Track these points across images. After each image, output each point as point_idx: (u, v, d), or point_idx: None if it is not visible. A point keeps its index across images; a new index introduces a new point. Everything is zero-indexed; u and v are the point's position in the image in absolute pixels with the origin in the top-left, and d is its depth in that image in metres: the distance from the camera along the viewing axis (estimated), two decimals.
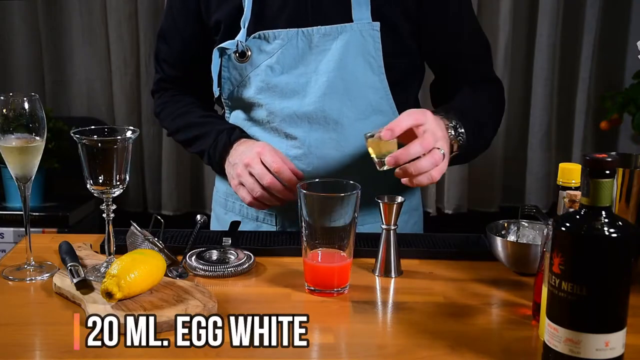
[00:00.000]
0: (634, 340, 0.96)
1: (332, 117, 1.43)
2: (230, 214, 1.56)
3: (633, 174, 1.20)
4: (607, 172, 0.87)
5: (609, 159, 0.87)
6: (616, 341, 0.89)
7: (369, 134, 1.26)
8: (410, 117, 1.24)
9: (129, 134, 1.17)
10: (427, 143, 1.22)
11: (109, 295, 1.07)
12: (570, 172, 1.04)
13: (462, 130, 1.33)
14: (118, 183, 1.18)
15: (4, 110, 1.19)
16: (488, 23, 2.88)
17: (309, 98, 1.42)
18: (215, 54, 1.44)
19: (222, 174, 1.48)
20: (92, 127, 1.18)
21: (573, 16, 2.89)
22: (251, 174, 1.37)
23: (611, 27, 2.88)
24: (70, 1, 2.95)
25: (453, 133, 1.32)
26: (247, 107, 1.48)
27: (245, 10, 1.41)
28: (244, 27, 1.41)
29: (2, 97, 1.19)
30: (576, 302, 0.88)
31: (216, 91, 1.48)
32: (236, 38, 1.42)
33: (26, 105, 1.19)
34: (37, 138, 1.21)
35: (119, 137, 1.16)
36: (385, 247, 1.25)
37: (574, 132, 2.96)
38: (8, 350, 0.99)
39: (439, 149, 1.23)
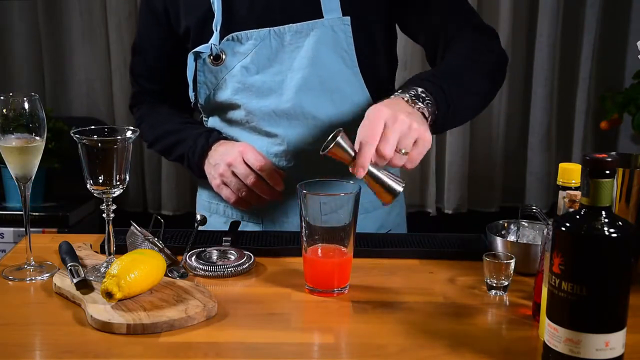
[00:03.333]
0: (634, 340, 0.96)
1: (310, 112, 1.44)
2: (215, 215, 1.56)
3: (633, 174, 1.20)
4: (607, 172, 0.87)
5: (609, 159, 0.87)
6: (616, 341, 0.89)
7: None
8: (368, 142, 1.16)
9: (129, 134, 1.17)
10: (386, 150, 1.16)
11: (109, 295, 1.07)
12: (570, 172, 1.04)
13: (428, 93, 1.25)
14: (118, 183, 1.18)
15: (4, 110, 1.19)
16: (488, 23, 2.87)
17: (285, 95, 1.43)
18: (190, 58, 1.45)
19: (202, 177, 1.49)
20: (92, 127, 1.18)
21: (573, 16, 2.88)
22: (234, 174, 1.39)
23: (611, 27, 2.88)
24: (70, 1, 2.95)
25: (419, 102, 1.23)
26: (225, 109, 1.49)
27: (215, 13, 1.42)
28: (217, 31, 1.42)
29: (2, 97, 1.19)
30: (576, 302, 0.88)
31: (192, 96, 1.50)
32: (210, 42, 1.43)
33: (26, 105, 1.19)
34: (37, 138, 1.21)
35: (119, 137, 1.16)
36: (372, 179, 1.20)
37: (574, 132, 2.96)
38: (8, 350, 0.99)
39: (400, 151, 1.17)
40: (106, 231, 1.20)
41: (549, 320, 0.92)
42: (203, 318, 1.07)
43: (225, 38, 1.43)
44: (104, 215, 1.19)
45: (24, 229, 1.26)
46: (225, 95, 1.47)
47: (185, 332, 1.04)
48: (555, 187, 1.08)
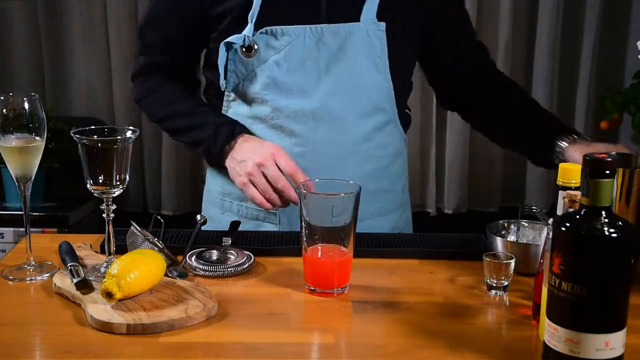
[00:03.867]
0: (634, 340, 0.96)
1: (337, 115, 1.43)
2: (228, 213, 1.55)
3: (633, 174, 1.20)
4: (607, 172, 0.87)
5: (609, 159, 0.87)
6: (616, 341, 0.89)
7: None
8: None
9: (129, 134, 1.17)
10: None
11: (109, 295, 1.07)
12: (570, 172, 1.04)
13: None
14: (118, 183, 1.18)
15: (4, 110, 1.19)
16: (488, 23, 2.88)
17: (315, 96, 1.42)
18: (222, 48, 1.42)
19: (217, 166, 1.47)
20: (92, 127, 1.18)
21: (573, 16, 2.88)
22: (264, 175, 1.36)
23: (611, 27, 2.88)
24: (70, 1, 2.95)
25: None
26: (251, 102, 1.47)
27: (254, 4, 1.40)
28: (252, 22, 1.40)
29: (2, 97, 1.19)
30: (576, 302, 0.88)
31: (223, 84, 1.47)
32: (243, 32, 1.41)
33: (26, 105, 1.19)
34: (37, 138, 1.21)
35: (119, 137, 1.16)
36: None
37: None
38: (8, 350, 0.99)
39: None
40: (106, 231, 1.20)
41: (549, 320, 0.92)
42: (203, 318, 1.07)
43: (260, 31, 1.41)
44: (104, 215, 1.19)
45: (24, 229, 1.25)
46: (254, 88, 1.45)
47: (185, 332, 1.04)
48: (555, 187, 1.08)
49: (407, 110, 1.57)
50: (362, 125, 1.45)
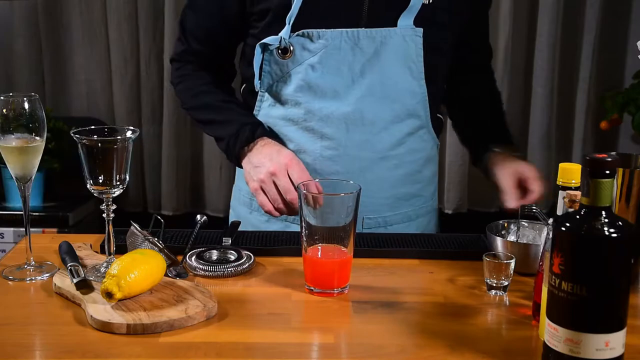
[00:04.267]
0: (634, 340, 0.96)
1: (369, 119, 1.43)
2: (255, 213, 1.54)
3: (633, 174, 1.20)
4: (607, 172, 0.87)
5: (609, 159, 0.87)
6: (616, 341, 0.89)
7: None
8: (510, 180, 1.47)
9: (129, 134, 1.17)
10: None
11: (109, 295, 1.07)
12: (570, 172, 1.04)
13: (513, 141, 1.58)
14: (118, 183, 1.18)
15: (4, 110, 1.19)
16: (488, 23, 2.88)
17: (348, 100, 1.42)
18: (258, 48, 1.42)
19: (237, 165, 1.47)
20: (92, 127, 1.18)
21: (573, 16, 2.88)
22: (275, 184, 1.35)
23: (611, 27, 2.88)
24: (70, 1, 2.94)
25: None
26: (284, 103, 1.46)
27: (293, 6, 1.39)
28: (289, 24, 1.40)
29: (2, 97, 1.19)
30: (576, 302, 0.88)
31: (257, 84, 1.46)
32: (279, 34, 1.40)
33: (26, 105, 1.19)
34: (37, 138, 1.21)
35: (119, 137, 1.16)
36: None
37: (574, 132, 2.96)
38: (8, 350, 0.99)
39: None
40: (106, 231, 1.20)
41: (549, 320, 0.92)
42: (203, 318, 1.07)
43: (296, 33, 1.40)
44: (104, 215, 1.19)
45: (24, 229, 1.25)
46: (287, 90, 1.45)
47: (185, 332, 1.04)
48: (555, 187, 1.08)
49: (439, 115, 1.58)
50: (394, 130, 1.45)
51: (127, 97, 2.98)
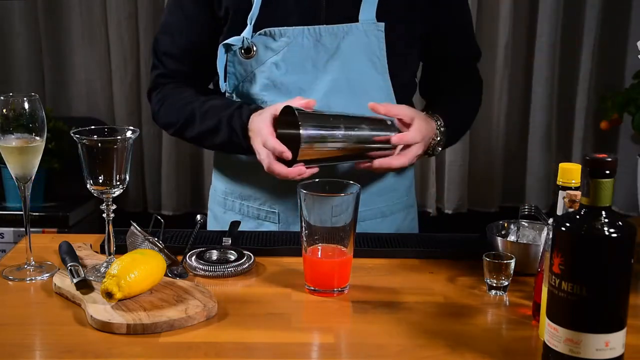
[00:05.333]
0: (634, 340, 0.96)
1: None
2: (230, 212, 1.55)
3: None
4: (607, 172, 0.87)
5: (609, 159, 0.87)
6: (616, 341, 0.89)
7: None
8: (405, 109, 1.37)
9: (129, 134, 1.17)
10: (419, 135, 1.35)
11: (109, 295, 1.07)
12: (570, 172, 1.04)
13: (444, 137, 1.44)
14: (118, 183, 1.18)
15: (4, 110, 1.19)
16: (488, 23, 2.88)
17: (314, 96, 1.42)
18: (221, 49, 1.42)
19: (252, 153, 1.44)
20: (92, 127, 1.18)
21: (573, 16, 2.88)
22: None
23: (611, 27, 2.88)
24: (70, 1, 2.95)
25: (437, 139, 1.43)
26: (251, 103, 1.46)
27: (253, 6, 1.40)
28: (250, 24, 1.41)
29: (2, 97, 1.19)
30: (576, 302, 0.88)
31: (223, 86, 1.46)
32: (242, 34, 1.41)
33: (26, 105, 1.19)
34: (37, 138, 1.21)
35: (119, 137, 1.16)
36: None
37: (574, 132, 2.96)
38: (8, 350, 0.99)
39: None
40: (106, 231, 1.20)
41: (549, 320, 0.92)
42: (203, 318, 1.07)
43: (258, 32, 1.41)
44: (104, 215, 1.19)
45: (24, 229, 1.25)
46: (253, 89, 1.45)
47: (185, 332, 1.04)
48: (555, 187, 1.08)
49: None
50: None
51: (127, 97, 2.98)
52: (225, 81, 1.46)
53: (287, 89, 1.43)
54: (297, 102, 1.33)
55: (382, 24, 1.42)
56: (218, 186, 1.60)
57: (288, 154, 1.30)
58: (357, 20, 1.41)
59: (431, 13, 1.48)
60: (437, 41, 1.53)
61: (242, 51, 1.42)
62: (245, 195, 1.50)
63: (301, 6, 1.41)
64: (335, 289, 1.18)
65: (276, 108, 1.34)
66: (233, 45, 1.42)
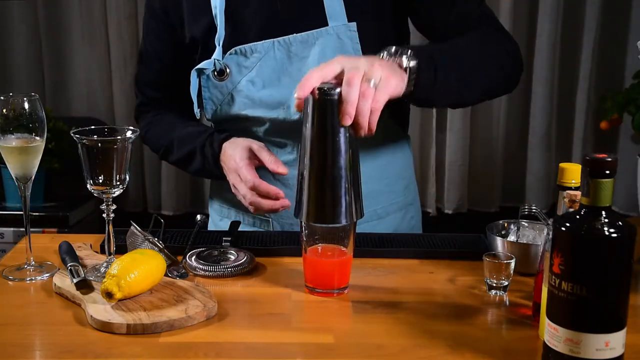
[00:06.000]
0: (634, 340, 0.96)
1: None
2: (226, 220, 1.55)
3: None
4: (607, 172, 0.87)
5: (609, 159, 0.87)
6: (616, 341, 0.89)
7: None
8: (352, 81, 1.09)
9: (129, 134, 1.17)
10: (350, 77, 1.09)
11: (109, 295, 1.07)
12: (570, 172, 1.04)
13: (411, 54, 1.20)
14: (118, 183, 1.18)
15: (4, 110, 1.19)
16: None
17: (293, 107, 1.40)
18: (193, 75, 1.42)
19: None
20: (92, 127, 1.18)
21: (573, 16, 2.88)
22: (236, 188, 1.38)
23: (611, 27, 2.88)
24: (70, 1, 2.95)
25: (395, 57, 1.20)
26: (233, 122, 1.46)
27: (218, 27, 1.39)
28: (219, 45, 1.40)
29: (2, 97, 1.19)
30: (576, 302, 0.88)
31: (197, 112, 1.46)
32: (212, 57, 1.40)
33: (26, 105, 1.19)
34: (37, 138, 1.21)
35: (119, 137, 1.16)
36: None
37: (574, 132, 2.96)
38: (8, 350, 0.99)
39: (367, 81, 1.10)
40: (106, 231, 1.20)
41: (549, 320, 0.92)
42: (203, 318, 1.07)
43: (229, 52, 1.40)
44: (104, 215, 1.19)
45: (24, 229, 1.25)
46: (232, 110, 1.44)
47: (185, 332, 1.04)
48: (555, 187, 1.08)
49: (402, 105, 1.51)
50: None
51: (127, 97, 2.98)
52: (198, 107, 1.46)
53: (266, 103, 1.41)
54: (269, 166, 1.34)
55: (354, 24, 1.38)
56: (213, 194, 1.61)
57: (281, 194, 1.33)
58: (326, 24, 1.38)
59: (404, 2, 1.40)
60: (417, 14, 1.43)
61: (215, 74, 1.42)
62: (239, 204, 1.46)
63: (258, 20, 1.40)
64: (335, 289, 1.18)
65: (249, 145, 1.36)
66: (205, 69, 1.41)
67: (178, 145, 1.49)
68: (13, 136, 1.20)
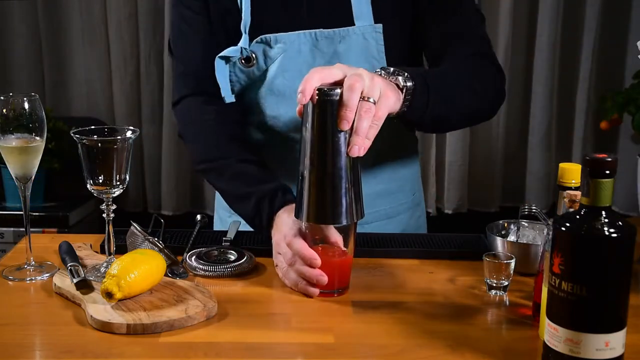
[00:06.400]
0: (634, 340, 0.96)
1: None
2: (235, 216, 1.54)
3: None
4: (607, 172, 0.87)
5: (609, 159, 0.87)
6: (616, 341, 0.89)
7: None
8: (353, 91, 1.08)
9: (129, 134, 1.17)
10: (352, 83, 1.08)
11: (109, 295, 1.07)
12: (570, 172, 1.04)
13: (407, 76, 1.20)
14: (118, 183, 1.18)
15: (4, 110, 1.19)
16: (488, 23, 2.87)
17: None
18: (219, 62, 1.41)
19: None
20: (92, 127, 1.18)
21: (573, 16, 2.88)
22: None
23: (611, 27, 2.88)
24: (70, 1, 2.95)
25: (392, 77, 1.19)
26: (251, 110, 1.46)
27: (243, 15, 1.39)
28: (245, 33, 1.39)
29: (2, 97, 1.19)
30: (576, 302, 0.88)
31: (230, 98, 1.43)
32: (239, 44, 1.40)
33: (26, 105, 1.19)
34: (37, 138, 1.21)
35: (119, 137, 1.16)
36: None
37: (574, 132, 2.96)
38: (8, 350, 0.99)
39: (366, 99, 1.09)
40: (106, 231, 1.20)
41: (549, 320, 0.92)
42: (203, 318, 1.07)
43: (255, 40, 1.40)
44: (104, 215, 1.19)
45: (24, 229, 1.25)
46: (253, 97, 1.44)
47: (185, 332, 1.04)
48: (555, 187, 1.08)
49: None
50: None
51: (127, 97, 2.98)
52: (228, 92, 1.42)
53: (284, 95, 1.42)
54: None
55: (380, 26, 1.40)
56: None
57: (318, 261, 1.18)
58: (352, 24, 1.39)
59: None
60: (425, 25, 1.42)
61: (242, 61, 1.41)
62: None
63: (286, 12, 1.40)
64: (335, 290, 1.18)
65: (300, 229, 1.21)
66: (232, 57, 1.41)
67: (232, 177, 1.39)
68: (13, 136, 1.20)
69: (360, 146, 1.09)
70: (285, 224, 1.24)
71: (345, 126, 1.08)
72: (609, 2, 2.86)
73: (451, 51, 1.40)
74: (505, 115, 2.96)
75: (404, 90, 1.20)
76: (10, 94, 1.19)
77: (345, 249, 1.17)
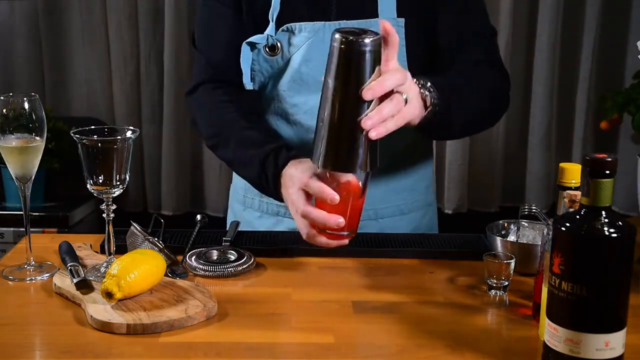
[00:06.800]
0: (634, 340, 0.96)
1: None
2: (249, 210, 1.54)
3: None
4: (607, 172, 0.87)
5: (609, 159, 0.87)
6: (616, 341, 0.89)
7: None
8: (394, 78, 1.13)
9: (129, 134, 1.17)
10: (399, 70, 1.14)
11: (109, 295, 1.07)
12: (570, 172, 1.04)
13: (432, 88, 1.26)
14: (118, 183, 1.18)
15: (4, 110, 1.19)
16: None
17: None
18: (245, 48, 1.42)
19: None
20: (92, 127, 1.18)
21: (573, 16, 2.88)
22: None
23: (611, 27, 2.88)
24: (70, 1, 2.95)
25: (424, 91, 1.25)
26: (272, 99, 1.46)
27: (273, 2, 1.40)
28: (272, 20, 1.40)
29: (2, 97, 1.19)
30: (576, 302, 0.88)
31: (249, 84, 1.45)
32: (265, 32, 1.41)
33: (26, 105, 1.19)
34: (37, 138, 1.21)
35: (119, 137, 1.16)
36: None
37: (574, 132, 2.96)
38: (8, 350, 0.99)
39: (401, 93, 1.15)
40: (106, 231, 1.20)
41: (549, 320, 0.92)
42: (203, 318, 1.07)
43: (281, 29, 1.41)
44: (104, 215, 1.19)
45: (24, 229, 1.25)
46: (277, 85, 1.44)
47: (185, 332, 1.04)
48: (555, 187, 1.08)
49: None
50: None
51: (127, 97, 2.98)
52: (250, 80, 1.44)
53: (307, 83, 1.42)
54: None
55: (402, 20, 1.40)
56: (238, 183, 1.58)
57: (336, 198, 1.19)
58: (376, 16, 1.40)
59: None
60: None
61: (267, 49, 1.42)
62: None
63: (316, 1, 1.40)
64: (346, 232, 1.17)
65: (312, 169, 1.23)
66: (257, 43, 1.41)
67: (237, 144, 1.41)
68: (13, 136, 1.20)
69: (374, 124, 1.11)
70: (295, 176, 1.25)
71: (369, 96, 1.10)
72: (609, 2, 2.86)
73: (462, 58, 1.43)
74: (505, 115, 2.93)
75: (427, 109, 1.25)
76: (10, 94, 1.19)
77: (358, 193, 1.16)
